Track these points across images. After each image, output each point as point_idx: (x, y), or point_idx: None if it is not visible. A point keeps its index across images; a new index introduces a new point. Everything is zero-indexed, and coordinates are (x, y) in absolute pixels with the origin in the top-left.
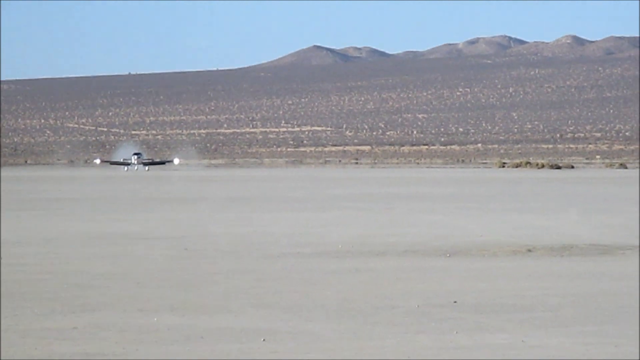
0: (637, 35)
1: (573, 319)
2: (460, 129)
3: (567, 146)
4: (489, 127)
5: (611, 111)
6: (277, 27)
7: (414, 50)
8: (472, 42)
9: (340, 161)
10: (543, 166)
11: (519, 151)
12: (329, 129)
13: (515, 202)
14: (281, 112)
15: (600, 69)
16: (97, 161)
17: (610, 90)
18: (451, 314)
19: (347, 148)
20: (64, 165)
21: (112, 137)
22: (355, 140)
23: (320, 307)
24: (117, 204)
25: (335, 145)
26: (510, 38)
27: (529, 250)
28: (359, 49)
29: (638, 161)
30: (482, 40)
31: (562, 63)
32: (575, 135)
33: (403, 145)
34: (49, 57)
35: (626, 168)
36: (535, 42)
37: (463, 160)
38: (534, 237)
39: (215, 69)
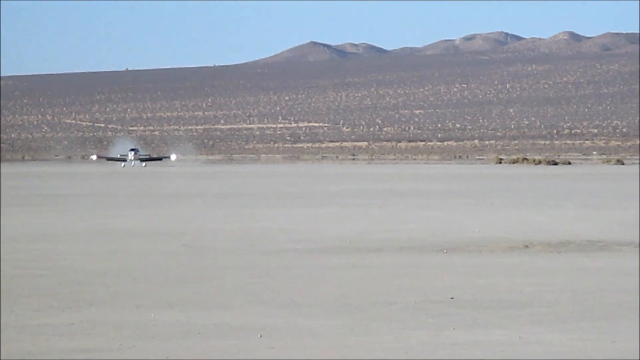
0: (634, 32)
1: (570, 315)
2: (457, 125)
3: (564, 142)
4: (486, 123)
5: (608, 107)
6: (274, 24)
7: (411, 46)
8: (469, 38)
9: (337, 157)
10: (540, 162)
11: (516, 147)
12: (326, 125)
13: (512, 198)
14: (278, 108)
15: (597, 65)
16: (94, 157)
17: (607, 86)
18: (448, 310)
19: (344, 144)
20: (61, 161)
21: (110, 133)
22: (352, 137)
23: (317, 303)
24: (114, 200)
25: (332, 142)
26: (507, 34)
27: (526, 247)
28: (356, 45)
29: (638, 157)
30: (479, 36)
31: (559, 59)
32: (572, 132)
33: (400, 142)
34: (46, 53)
35: (623, 164)
36: (532, 38)
37: (460, 157)
38: (531, 233)
39: (212, 65)
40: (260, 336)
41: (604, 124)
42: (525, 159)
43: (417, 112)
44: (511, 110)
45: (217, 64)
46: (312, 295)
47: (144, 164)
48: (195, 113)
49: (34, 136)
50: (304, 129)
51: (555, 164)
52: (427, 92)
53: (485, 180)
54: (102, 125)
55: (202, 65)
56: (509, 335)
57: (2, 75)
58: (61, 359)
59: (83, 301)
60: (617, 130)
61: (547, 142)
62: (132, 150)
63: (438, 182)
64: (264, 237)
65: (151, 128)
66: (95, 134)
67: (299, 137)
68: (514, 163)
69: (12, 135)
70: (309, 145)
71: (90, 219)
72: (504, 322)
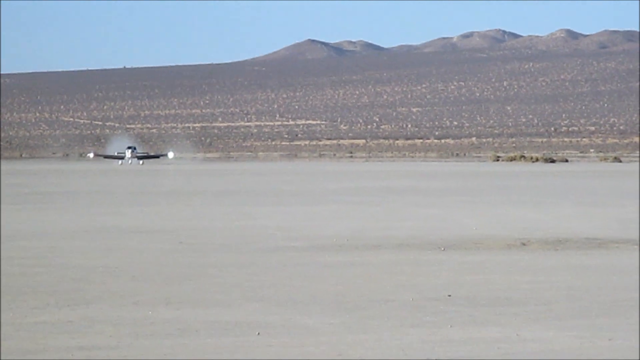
0: (631, 29)
1: (567, 313)
2: (455, 123)
3: (561, 140)
4: (484, 121)
5: (605, 105)
6: (271, 21)
7: (409, 44)
8: (467, 36)
9: (334, 155)
10: (537, 160)
11: (514, 145)
12: (323, 122)
13: (509, 195)
14: (276, 106)
15: (594, 62)
16: (91, 155)
17: (605, 84)
18: (445, 307)
19: (341, 142)
20: (59, 158)
21: (107, 130)
22: (350, 134)
23: (314, 300)
24: (112, 197)
25: (329, 139)
26: (504, 32)
27: (523, 244)
28: (354, 42)
29: (635, 154)
30: (477, 34)
31: (557, 57)
32: (570, 129)
33: (397, 139)
34: (44, 51)
35: (620, 162)
36: (529, 36)
37: (457, 154)
38: (528, 231)
39: (210, 62)
40: (258, 334)
41: (601, 122)
42: (522, 156)
43: (414, 109)
44: (509, 108)
45: (214, 62)
46: (310, 293)
47: (141, 161)
48: (193, 111)
49: (31, 134)
50: (301, 126)
51: (553, 161)
52: (424, 90)
53: (483, 178)
54: (100, 123)
55: (199, 63)
56: (506, 332)
57: (0, 73)
58: (59, 357)
59: (81, 299)
60: (615, 128)
61: (545, 139)
62: (129, 148)
63: (435, 179)
64: (262, 234)
65: (149, 126)
66: (92, 131)
67: (297, 135)
68: (511, 161)
69: (10, 133)
70: (307, 142)
71: (87, 217)
72: (501, 319)
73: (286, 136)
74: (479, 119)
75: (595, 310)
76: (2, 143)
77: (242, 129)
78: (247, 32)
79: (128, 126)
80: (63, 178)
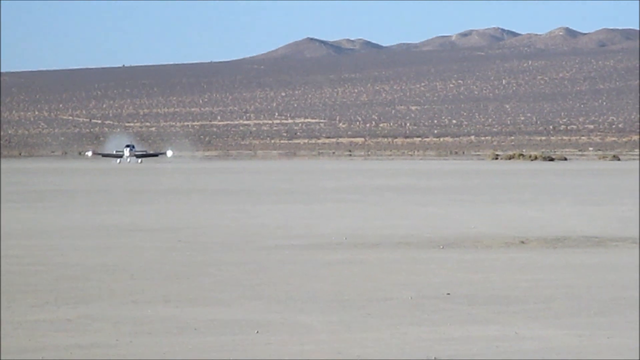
0: (630, 28)
1: (566, 311)
2: (454, 121)
3: (560, 138)
4: (482, 119)
5: (604, 103)
6: (270, 20)
7: (407, 42)
8: (465, 35)
9: (333, 153)
10: (536, 158)
11: (512, 143)
12: (322, 121)
13: (508, 193)
14: (274, 104)
15: (593, 61)
16: (89, 153)
17: (603, 82)
18: (444, 305)
19: (340, 140)
20: (58, 157)
21: (106, 129)
22: (349, 132)
23: (313, 298)
24: (111, 196)
25: (328, 137)
26: (503, 30)
27: (522, 242)
28: (353, 41)
29: (633, 153)
30: (475, 32)
31: (555, 55)
32: (568, 127)
33: (396, 137)
34: (43, 49)
35: (619, 160)
36: (528, 34)
37: (456, 152)
38: (527, 229)
39: (209, 61)
40: (257, 332)
41: (600, 120)
42: (521, 154)
43: (413, 108)
44: (507, 106)
45: (213, 60)
46: (309, 291)
47: (139, 160)
48: (192, 109)
49: (30, 132)
50: (300, 125)
51: (552, 159)
52: (423, 88)
53: (482, 176)
54: (99, 121)
55: (198, 62)
56: (505, 330)
57: None
58: (58, 355)
59: (80, 297)
60: (613, 126)
61: (544, 138)
62: (127, 146)
63: (434, 178)
64: (260, 233)
65: (148, 124)
66: (91, 130)
67: (296, 133)
68: (510, 159)
69: (9, 132)
70: (306, 141)
71: (86, 215)
72: (500, 317)
73: (285, 134)
74: (477, 117)
75: (594, 308)
76: (1, 142)
77: (241, 128)
78: (246, 31)
79: (127, 124)
80: (62, 177)
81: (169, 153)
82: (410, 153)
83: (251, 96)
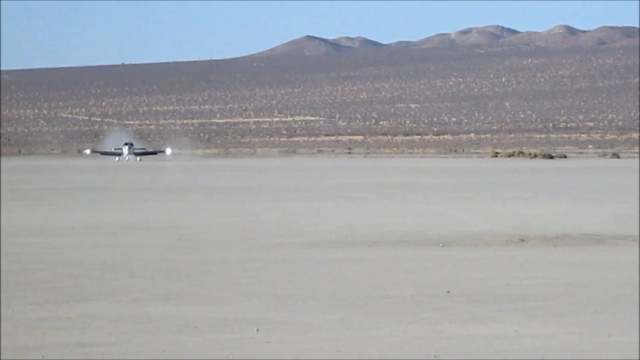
0: (629, 25)
1: (566, 309)
2: (453, 119)
3: (559, 136)
4: (482, 117)
5: (604, 101)
6: (270, 18)
7: (407, 40)
8: (465, 32)
9: (333, 151)
10: (536, 156)
11: (512, 141)
12: (321, 118)
13: (508, 191)
14: (274, 102)
15: (592, 58)
16: (87, 151)
17: (603, 80)
18: (444, 303)
19: (340, 138)
20: (58, 155)
21: (106, 127)
22: (348, 130)
23: (313, 297)
24: (110, 194)
25: (328, 135)
26: (502, 28)
27: (522, 240)
28: (352, 39)
29: (633, 150)
30: (475, 30)
31: (555, 53)
32: (568, 125)
33: (396, 135)
34: (42, 47)
35: (619, 157)
36: (527, 32)
37: (456, 150)
38: (527, 227)
39: (208, 59)
40: (257, 330)
41: (599, 118)
42: (521, 152)
43: (413, 105)
44: (507, 104)
45: (213, 58)
46: (308, 289)
47: (138, 158)
48: (191, 107)
49: (30, 130)
50: (299, 122)
51: (551, 157)
52: (423, 86)
53: (481, 174)
54: (99, 119)
55: (198, 59)
56: (505, 329)
57: None
58: (58, 353)
59: (80, 295)
60: (613, 124)
61: (543, 135)
62: (126, 144)
63: (434, 175)
64: (260, 230)
65: (147, 122)
66: (91, 127)
67: (295, 131)
68: (509, 157)
69: (9, 130)
70: (305, 139)
71: (86, 213)
72: (499, 315)
73: (284, 132)
74: (477, 115)
75: (594, 306)
76: (0, 140)
77: (241, 125)
78: (245, 29)
79: (127, 122)
80: (61, 175)
81: (168, 151)
82: (409, 151)
83: (251, 94)
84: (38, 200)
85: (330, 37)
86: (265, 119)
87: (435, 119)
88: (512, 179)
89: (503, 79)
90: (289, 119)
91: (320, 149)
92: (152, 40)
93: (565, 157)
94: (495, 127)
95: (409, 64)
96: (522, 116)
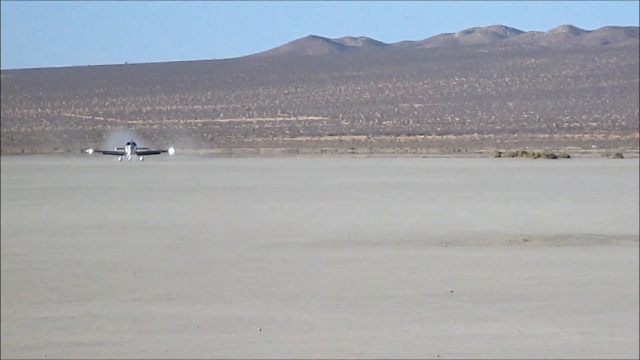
0: (633, 25)
1: (569, 309)
2: (457, 119)
3: (563, 136)
4: (485, 117)
5: (607, 101)
6: (273, 17)
7: (410, 40)
8: (468, 32)
9: (336, 151)
10: (539, 156)
11: (515, 141)
12: (325, 118)
13: (511, 191)
14: (277, 102)
15: (596, 58)
16: (90, 151)
17: (607, 79)
18: (447, 303)
19: (343, 137)
20: (61, 154)
21: (109, 126)
22: (352, 130)
23: (316, 296)
24: (113, 193)
25: (331, 135)
26: (506, 28)
27: (525, 240)
28: (355, 38)
29: (636, 150)
30: (478, 30)
31: (558, 53)
32: (572, 125)
33: (399, 135)
34: (45, 46)
35: (622, 157)
36: (531, 31)
37: (459, 150)
38: (530, 227)
39: (211, 58)
40: (260, 329)
41: (603, 118)
42: (524, 152)
43: (416, 105)
44: (510, 104)
45: (216, 58)
46: (311, 289)
47: (141, 157)
48: (195, 106)
49: (33, 130)
50: (303, 122)
51: (555, 157)
52: (426, 86)
53: (485, 174)
54: (102, 118)
55: (201, 59)
56: (508, 328)
57: (1, 69)
58: (60, 353)
59: (82, 295)
60: (617, 124)
61: (546, 135)
62: (128, 144)
63: (437, 175)
64: (263, 230)
65: (150, 122)
66: (94, 127)
67: (298, 131)
68: (513, 156)
69: (12, 129)
70: (308, 138)
71: (88, 213)
72: (502, 315)
73: (288, 132)
74: (480, 115)
75: (596, 306)
76: (3, 139)
77: (244, 125)
78: (248, 28)
79: (130, 122)
80: (64, 174)
81: (171, 151)
82: (413, 151)
83: (254, 94)
84: (40, 200)
85: (333, 37)
86: (268, 119)
87: (438, 119)
88: (515, 179)
89: (506, 79)
90: (292, 118)
91: (323, 148)
92: (155, 40)
93: (568, 157)
94: (498, 127)
95: (412, 64)
96: (526, 116)
